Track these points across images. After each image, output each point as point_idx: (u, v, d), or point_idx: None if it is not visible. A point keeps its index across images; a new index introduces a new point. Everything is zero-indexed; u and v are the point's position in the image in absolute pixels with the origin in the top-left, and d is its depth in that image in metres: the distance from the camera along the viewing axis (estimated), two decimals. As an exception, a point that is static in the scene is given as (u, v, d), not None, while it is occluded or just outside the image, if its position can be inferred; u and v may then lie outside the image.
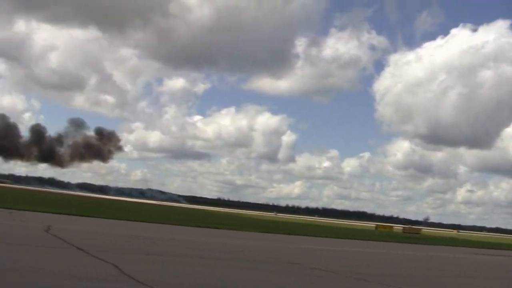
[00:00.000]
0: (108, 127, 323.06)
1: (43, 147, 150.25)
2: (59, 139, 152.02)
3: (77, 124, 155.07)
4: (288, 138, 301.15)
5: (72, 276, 9.09)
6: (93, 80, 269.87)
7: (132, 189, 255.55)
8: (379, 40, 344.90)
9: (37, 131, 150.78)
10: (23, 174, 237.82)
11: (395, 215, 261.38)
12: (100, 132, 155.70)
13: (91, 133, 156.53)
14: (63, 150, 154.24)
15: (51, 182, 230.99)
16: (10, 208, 27.87)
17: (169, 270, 11.40)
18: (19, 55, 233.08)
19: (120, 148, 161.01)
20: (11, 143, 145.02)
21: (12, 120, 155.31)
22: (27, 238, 15.15)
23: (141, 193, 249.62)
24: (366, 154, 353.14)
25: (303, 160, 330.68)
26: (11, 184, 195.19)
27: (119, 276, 9.63)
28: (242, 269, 13.46)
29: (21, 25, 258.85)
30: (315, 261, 18.34)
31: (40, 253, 12.12)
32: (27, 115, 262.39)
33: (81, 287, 8.22)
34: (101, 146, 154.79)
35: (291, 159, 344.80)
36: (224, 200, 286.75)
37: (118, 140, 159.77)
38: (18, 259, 10.56)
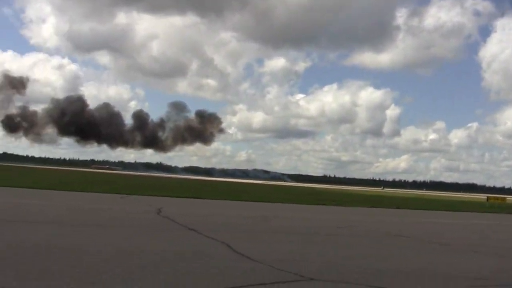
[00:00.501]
0: (211, 110, 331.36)
1: (146, 132, 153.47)
2: (161, 124, 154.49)
3: (178, 107, 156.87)
4: (392, 112, 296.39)
5: (186, 255, 9.09)
6: (194, 65, 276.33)
7: (236, 170, 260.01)
8: (484, 5, 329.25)
9: (140, 117, 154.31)
10: (132, 161, 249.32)
11: (507, 186, 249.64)
12: (201, 114, 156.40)
13: (192, 116, 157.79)
14: (165, 135, 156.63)
15: (159, 167, 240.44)
16: (122, 193, 28.90)
17: (282, 247, 11.23)
18: (121, 46, 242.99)
19: (221, 130, 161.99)
20: (115, 131, 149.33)
21: (116, 109, 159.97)
22: (140, 221, 15.50)
23: (245, 173, 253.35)
24: (474, 124, 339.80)
25: (408, 134, 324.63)
26: (121, 170, 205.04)
27: (231, 255, 9.56)
28: (351, 244, 13.09)
29: (122, 17, 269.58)
30: (426, 234, 17.62)
31: (153, 234, 12.31)
32: (132, 103, 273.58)
33: (195, 265, 8.16)
34: (202, 128, 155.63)
35: (396, 133, 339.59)
36: (329, 177, 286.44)
37: (220, 122, 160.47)
38: (133, 241, 10.78)
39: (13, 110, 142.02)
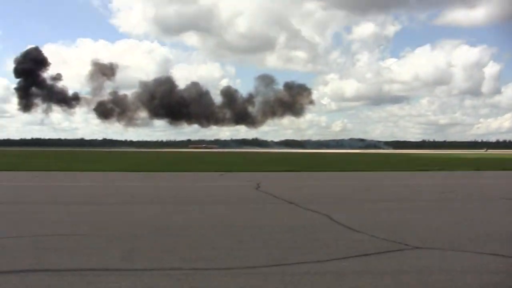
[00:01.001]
0: (303, 81, 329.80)
1: (235, 109, 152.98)
2: (250, 99, 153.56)
3: (266, 80, 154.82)
4: (491, 69, 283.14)
5: (289, 229, 9.17)
6: (282, 38, 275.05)
7: (330, 140, 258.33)
8: None
9: (228, 94, 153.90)
10: (227, 138, 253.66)
11: None
12: (289, 86, 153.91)
13: (280, 88, 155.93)
14: (255, 109, 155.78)
15: (254, 142, 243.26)
16: (221, 171, 29.50)
17: (384, 217, 11.09)
18: (208, 25, 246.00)
19: (311, 102, 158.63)
20: (205, 110, 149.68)
21: (204, 87, 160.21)
22: (240, 196, 15.76)
23: (339, 143, 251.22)
24: None
25: (510, 91, 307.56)
26: (217, 148, 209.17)
27: (333, 226, 9.55)
28: (456, 209, 12.70)
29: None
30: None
31: (255, 209, 12.53)
32: (224, 81, 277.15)
33: (299, 238, 8.23)
34: (292, 100, 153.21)
35: (497, 91, 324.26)
36: (429, 142, 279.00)
37: (310, 93, 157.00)
38: (236, 217, 11.02)
39: (105, 96, 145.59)
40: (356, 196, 16.32)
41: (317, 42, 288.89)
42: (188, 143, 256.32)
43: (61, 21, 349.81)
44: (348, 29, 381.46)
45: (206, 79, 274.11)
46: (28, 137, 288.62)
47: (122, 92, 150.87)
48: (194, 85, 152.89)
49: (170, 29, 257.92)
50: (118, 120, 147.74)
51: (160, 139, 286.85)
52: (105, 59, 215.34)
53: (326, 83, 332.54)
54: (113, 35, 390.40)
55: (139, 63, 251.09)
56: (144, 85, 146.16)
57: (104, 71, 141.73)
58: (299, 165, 40.65)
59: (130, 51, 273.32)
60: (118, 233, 8.79)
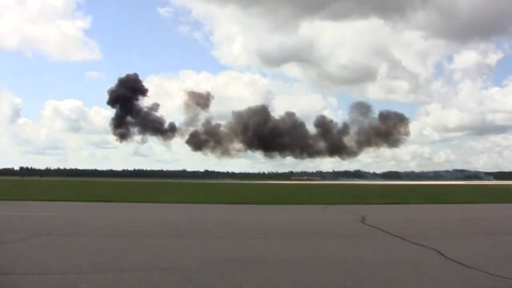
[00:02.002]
0: (403, 112, 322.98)
1: (329, 139, 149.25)
2: (345, 129, 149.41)
3: (362, 109, 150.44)
4: None
5: (396, 263, 9.07)
6: (383, 69, 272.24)
7: (429, 172, 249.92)
8: None
9: (322, 124, 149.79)
10: (329, 170, 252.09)
11: None
12: (385, 116, 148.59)
13: (376, 117, 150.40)
14: (349, 139, 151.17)
15: (356, 174, 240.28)
16: (324, 204, 29.41)
17: (496, 251, 10.71)
18: (309, 56, 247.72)
19: (407, 133, 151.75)
20: (299, 140, 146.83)
21: (300, 118, 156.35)
22: (346, 230, 15.68)
23: (437, 174, 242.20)
24: None
25: None
26: (319, 180, 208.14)
27: (443, 261, 9.34)
28: None
29: (306, 28, 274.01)
30: None
31: (361, 243, 12.45)
32: (326, 112, 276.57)
33: (407, 273, 8.13)
34: (387, 130, 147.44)
35: None
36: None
37: (406, 123, 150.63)
38: (342, 250, 11.00)
39: (198, 127, 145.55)
40: (465, 229, 15.77)
41: (418, 72, 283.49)
42: (290, 175, 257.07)
43: (164, 54, 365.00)
44: (450, 58, 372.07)
45: (307, 110, 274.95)
46: (130, 168, 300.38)
47: (214, 120, 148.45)
48: (289, 115, 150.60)
49: (271, 60, 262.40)
50: (212, 150, 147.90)
51: (261, 171, 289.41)
52: (208, 90, 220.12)
53: (428, 114, 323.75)
54: (215, 66, 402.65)
55: (241, 95, 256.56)
56: (237, 114, 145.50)
57: (198, 100, 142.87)
58: (401, 197, 39.76)
59: (232, 83, 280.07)
60: (224, 267, 9.03)
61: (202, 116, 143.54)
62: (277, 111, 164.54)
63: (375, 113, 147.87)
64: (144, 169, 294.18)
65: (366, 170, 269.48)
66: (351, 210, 23.90)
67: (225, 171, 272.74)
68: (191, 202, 31.35)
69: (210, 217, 21.41)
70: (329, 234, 14.67)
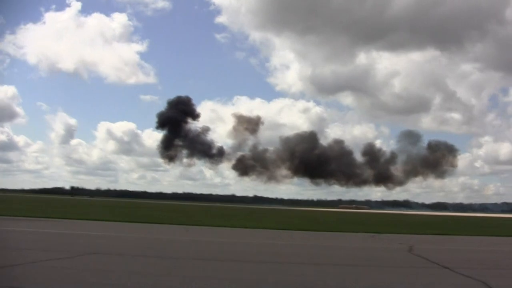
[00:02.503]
0: (455, 143, 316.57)
1: (376, 168, 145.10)
2: (393, 158, 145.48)
3: (410, 137, 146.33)
4: None
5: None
6: (437, 100, 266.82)
7: (473, 204, 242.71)
8: None
9: (370, 153, 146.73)
10: (378, 199, 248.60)
11: None
12: (434, 146, 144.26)
13: (425, 147, 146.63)
14: (396, 168, 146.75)
15: (405, 204, 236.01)
16: (372, 232, 29.42)
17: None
18: (364, 85, 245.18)
19: (454, 165, 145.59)
20: (346, 168, 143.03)
21: (349, 146, 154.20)
22: (393, 259, 15.85)
23: (483, 206, 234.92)
24: None
25: None
26: (368, 209, 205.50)
27: (489, 293, 9.48)
28: None
29: (362, 57, 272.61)
30: None
31: (408, 273, 12.64)
32: (378, 142, 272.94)
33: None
34: (435, 161, 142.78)
35: None
36: None
37: (455, 155, 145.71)
38: (389, 281, 11.23)
39: (246, 152, 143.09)
40: (510, 261, 15.69)
41: (472, 104, 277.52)
42: (338, 203, 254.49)
43: (219, 79, 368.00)
44: (505, 91, 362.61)
45: (359, 139, 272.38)
46: (180, 191, 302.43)
47: (261, 146, 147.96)
48: (337, 143, 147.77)
49: (326, 88, 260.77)
50: (258, 176, 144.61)
51: (310, 198, 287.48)
52: (263, 116, 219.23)
53: (480, 146, 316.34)
54: (270, 93, 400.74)
55: (293, 122, 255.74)
56: (285, 140, 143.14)
57: (247, 125, 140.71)
58: (447, 228, 39.26)
59: (285, 110, 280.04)
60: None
61: (251, 141, 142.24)
62: (328, 139, 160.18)
63: (425, 143, 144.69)
64: (194, 192, 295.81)
65: (415, 200, 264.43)
66: (399, 239, 23.91)
67: (273, 197, 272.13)
68: (241, 226, 31.79)
69: (267, 242, 21.77)
70: (378, 264, 14.87)
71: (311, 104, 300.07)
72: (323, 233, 29.11)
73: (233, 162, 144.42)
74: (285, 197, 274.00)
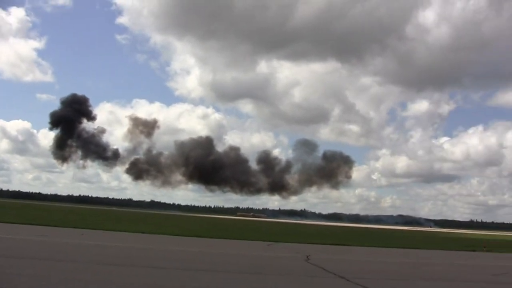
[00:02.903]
0: (354, 155, 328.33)
1: (271, 176, 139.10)
2: (288, 167, 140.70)
3: (307, 147, 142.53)
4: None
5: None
6: (336, 111, 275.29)
7: (369, 215, 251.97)
8: None
9: (265, 161, 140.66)
10: (276, 208, 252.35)
11: None
12: (329, 156, 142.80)
13: (320, 157, 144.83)
14: (291, 177, 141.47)
15: (302, 214, 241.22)
16: (269, 241, 29.59)
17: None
18: (264, 94, 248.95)
19: (349, 176, 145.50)
20: (241, 176, 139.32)
21: (243, 153, 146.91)
22: (289, 268, 15.87)
23: (378, 218, 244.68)
24: None
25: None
26: (266, 218, 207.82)
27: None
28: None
29: (263, 66, 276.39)
30: None
31: (304, 282, 12.62)
32: (276, 151, 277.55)
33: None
34: (330, 172, 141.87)
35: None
36: (477, 222, 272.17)
37: (350, 166, 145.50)
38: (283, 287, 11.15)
39: (140, 155, 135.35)
40: (407, 273, 16.21)
41: (371, 116, 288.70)
42: (236, 210, 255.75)
43: (119, 81, 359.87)
44: (403, 105, 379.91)
45: (258, 147, 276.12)
46: (76, 194, 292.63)
47: (155, 150, 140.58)
48: (233, 149, 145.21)
49: (226, 95, 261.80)
50: (152, 180, 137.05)
51: (208, 205, 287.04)
52: (160, 122, 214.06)
53: (377, 158, 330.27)
54: (169, 98, 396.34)
55: (192, 127, 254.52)
56: (179, 145, 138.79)
57: (142, 128, 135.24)
58: (345, 238, 40.41)
59: (185, 115, 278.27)
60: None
61: (146, 144, 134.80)
62: (226, 146, 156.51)
63: (321, 153, 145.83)
64: (90, 195, 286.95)
65: (312, 210, 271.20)
66: (295, 248, 24.16)
67: (170, 203, 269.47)
68: (135, 231, 31.03)
69: (156, 247, 21.26)
70: (273, 272, 14.72)
71: (210, 110, 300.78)
72: (220, 240, 28.93)
73: (127, 165, 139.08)
74: (182, 203, 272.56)
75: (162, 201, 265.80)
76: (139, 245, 21.54)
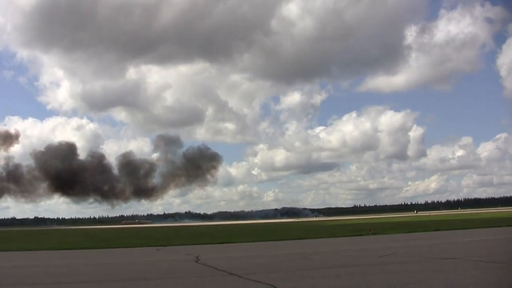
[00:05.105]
0: (232, 153, 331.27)
1: (134, 180, 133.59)
2: (151, 168, 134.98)
3: (168, 142, 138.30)
4: (415, 133, 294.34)
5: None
6: (210, 111, 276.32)
7: (240, 211, 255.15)
8: (495, 11, 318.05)
9: (127, 165, 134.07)
10: (160, 212, 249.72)
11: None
12: (191, 154, 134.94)
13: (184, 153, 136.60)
14: (155, 179, 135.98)
15: (190, 215, 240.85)
16: (157, 245, 28.81)
17: (330, 283, 10.99)
18: (135, 100, 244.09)
19: (213, 174, 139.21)
20: (104, 182, 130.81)
21: (105, 157, 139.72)
22: (179, 270, 15.39)
23: (249, 214, 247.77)
24: (503, 135, 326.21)
25: (435, 153, 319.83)
26: (151, 223, 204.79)
27: (280, 295, 9.36)
28: (400, 271, 12.72)
29: (131, 72, 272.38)
30: (472, 253, 17.15)
31: (196, 283, 12.18)
32: (155, 155, 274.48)
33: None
34: (195, 169, 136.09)
35: (422, 153, 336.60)
36: (361, 207, 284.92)
37: (216, 162, 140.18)
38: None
39: None
40: (298, 264, 16.18)
41: (245, 113, 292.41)
42: (121, 219, 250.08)
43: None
44: (276, 99, 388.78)
45: (137, 154, 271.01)
46: None
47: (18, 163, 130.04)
48: (93, 154, 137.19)
49: (97, 104, 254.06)
50: (14, 195, 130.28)
51: (92, 216, 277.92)
52: (34, 137, 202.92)
53: (255, 154, 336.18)
54: (42, 112, 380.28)
55: (69, 140, 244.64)
56: (39, 154, 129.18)
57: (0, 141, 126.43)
58: (231, 236, 40.40)
59: (59, 128, 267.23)
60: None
61: (6, 159, 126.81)
62: (109, 156, 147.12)
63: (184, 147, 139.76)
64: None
65: (197, 211, 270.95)
66: (185, 251, 23.65)
67: (55, 217, 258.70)
68: (19, 249, 29.12)
69: (40, 263, 19.88)
70: (165, 276, 14.22)
71: (84, 121, 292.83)
72: (105, 250, 27.81)
73: None
74: (66, 216, 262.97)
75: (46, 216, 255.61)
76: (23, 263, 20.41)
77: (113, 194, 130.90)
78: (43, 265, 19.39)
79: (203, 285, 11.55)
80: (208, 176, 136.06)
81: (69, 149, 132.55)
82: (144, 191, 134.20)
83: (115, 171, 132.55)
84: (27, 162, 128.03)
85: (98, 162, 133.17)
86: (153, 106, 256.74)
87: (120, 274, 14.93)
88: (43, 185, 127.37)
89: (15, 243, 38.02)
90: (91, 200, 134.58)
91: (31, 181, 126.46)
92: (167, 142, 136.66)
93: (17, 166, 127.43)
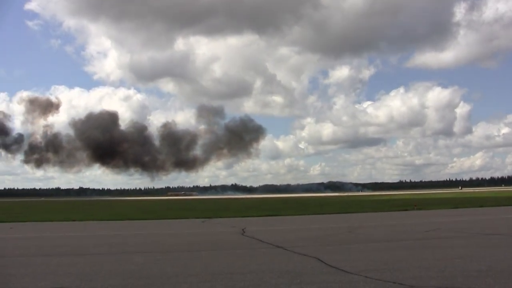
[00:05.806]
0: (280, 126, 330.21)
1: (176, 151, 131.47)
2: (193, 139, 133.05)
3: (212, 113, 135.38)
4: (462, 109, 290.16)
5: (281, 273, 9.06)
6: (258, 83, 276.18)
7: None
8: None
9: (169, 136, 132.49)
10: (207, 184, 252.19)
11: None
12: (233, 126, 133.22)
13: (227, 125, 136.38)
14: (197, 151, 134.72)
15: (235, 188, 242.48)
16: (203, 218, 29.26)
17: (374, 256, 11.01)
18: (184, 71, 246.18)
19: (256, 147, 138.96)
20: (144, 153, 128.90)
21: (148, 126, 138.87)
22: (227, 243, 15.57)
23: (300, 187, 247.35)
24: None
25: (480, 130, 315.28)
26: (197, 195, 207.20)
27: (325, 269, 9.47)
28: (444, 247, 12.65)
29: (180, 43, 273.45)
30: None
31: (243, 255, 12.35)
32: (202, 127, 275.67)
33: (293, 282, 8.12)
34: (238, 141, 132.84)
35: (468, 130, 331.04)
36: (405, 182, 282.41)
37: (262, 133, 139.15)
38: (226, 263, 10.80)
39: (38, 139, 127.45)
40: (343, 237, 16.23)
41: (293, 86, 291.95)
42: (167, 190, 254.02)
43: (34, 69, 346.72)
44: (324, 73, 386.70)
45: (183, 125, 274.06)
46: (1, 187, 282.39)
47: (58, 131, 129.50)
48: (134, 124, 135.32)
49: (145, 75, 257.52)
50: (52, 163, 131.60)
51: (138, 187, 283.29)
52: (81, 107, 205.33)
53: (303, 127, 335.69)
54: (88, 82, 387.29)
55: (117, 110, 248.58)
56: (76, 124, 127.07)
57: (41, 109, 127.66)
58: (278, 209, 40.64)
59: (106, 98, 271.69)
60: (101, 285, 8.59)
61: (47, 128, 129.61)
62: (152, 127, 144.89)
63: (227, 118, 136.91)
64: (15, 188, 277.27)
65: (244, 183, 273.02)
66: (231, 223, 23.94)
67: (100, 188, 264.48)
68: (65, 220, 30.02)
69: (87, 234, 20.47)
70: (210, 247, 14.45)
71: (131, 91, 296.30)
72: (152, 221, 28.39)
73: (25, 152, 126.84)
74: (112, 187, 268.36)
75: (91, 187, 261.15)
76: (70, 233, 20.81)
77: (154, 166, 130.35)
78: (91, 235, 19.93)
79: (250, 258, 11.70)
80: (251, 149, 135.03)
81: (110, 118, 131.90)
82: (185, 163, 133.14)
83: (157, 142, 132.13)
84: (70, 132, 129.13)
85: (139, 133, 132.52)
86: (201, 78, 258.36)
87: (165, 245, 15.19)
88: (83, 155, 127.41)
89: (63, 213, 39.21)
90: (132, 171, 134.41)
91: (71, 151, 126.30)
92: (210, 113, 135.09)
93: (55, 135, 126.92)
